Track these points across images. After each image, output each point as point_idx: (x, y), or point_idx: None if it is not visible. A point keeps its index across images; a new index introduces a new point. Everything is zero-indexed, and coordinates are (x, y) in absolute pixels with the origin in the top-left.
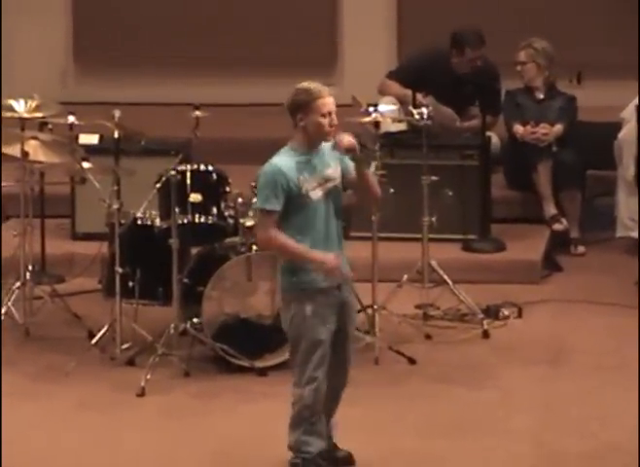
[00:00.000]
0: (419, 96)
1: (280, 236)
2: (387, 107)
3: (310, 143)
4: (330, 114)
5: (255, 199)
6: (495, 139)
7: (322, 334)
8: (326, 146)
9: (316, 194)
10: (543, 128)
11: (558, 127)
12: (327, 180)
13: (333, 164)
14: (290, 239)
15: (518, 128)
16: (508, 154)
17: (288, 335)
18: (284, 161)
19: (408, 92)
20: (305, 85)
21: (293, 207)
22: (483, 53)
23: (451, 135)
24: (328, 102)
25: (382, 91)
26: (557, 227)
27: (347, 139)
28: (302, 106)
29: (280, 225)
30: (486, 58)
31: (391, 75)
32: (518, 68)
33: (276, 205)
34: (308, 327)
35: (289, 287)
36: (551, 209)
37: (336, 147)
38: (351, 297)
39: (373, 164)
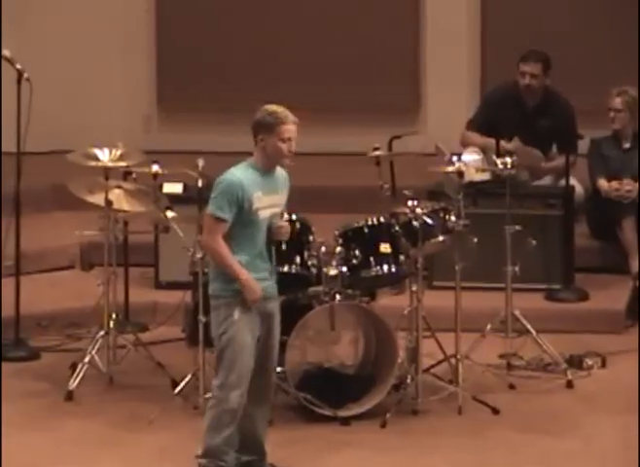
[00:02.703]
0: (503, 143)
1: (223, 247)
2: (471, 156)
3: (267, 163)
4: (290, 140)
5: (210, 207)
6: (579, 188)
7: (248, 338)
8: (280, 173)
9: (264, 213)
10: (627, 185)
11: None
12: (274, 204)
13: (280, 192)
14: (229, 253)
15: (603, 184)
16: (591, 207)
17: (215, 339)
18: (246, 175)
19: (490, 140)
20: (273, 107)
21: (241, 221)
22: (541, 75)
23: (537, 176)
24: (290, 129)
25: (464, 143)
26: None
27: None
28: (265, 127)
29: (227, 234)
30: (560, 96)
31: (469, 125)
32: (612, 114)
33: (228, 215)
34: (236, 331)
35: (220, 292)
36: (636, 265)
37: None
38: (276, 310)
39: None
